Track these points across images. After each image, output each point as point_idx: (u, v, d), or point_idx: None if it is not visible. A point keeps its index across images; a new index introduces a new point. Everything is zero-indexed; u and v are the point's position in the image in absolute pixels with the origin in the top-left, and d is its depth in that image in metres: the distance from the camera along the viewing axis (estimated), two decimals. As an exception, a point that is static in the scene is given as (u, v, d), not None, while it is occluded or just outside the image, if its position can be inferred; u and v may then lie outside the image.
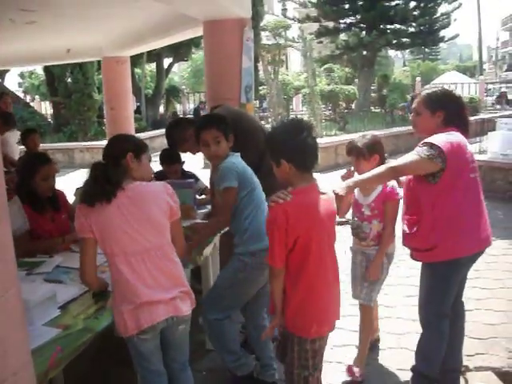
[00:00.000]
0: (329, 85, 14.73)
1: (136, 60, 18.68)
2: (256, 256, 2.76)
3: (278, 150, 2.17)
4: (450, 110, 2.66)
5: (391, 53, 41.54)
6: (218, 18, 4.23)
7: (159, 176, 3.80)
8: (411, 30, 17.81)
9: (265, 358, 3.05)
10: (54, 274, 2.65)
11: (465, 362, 3.27)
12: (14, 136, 5.16)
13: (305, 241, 2.13)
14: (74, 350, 1.97)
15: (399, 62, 53.62)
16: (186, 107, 25.45)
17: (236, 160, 2.83)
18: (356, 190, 3.07)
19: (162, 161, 4.07)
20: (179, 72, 40.99)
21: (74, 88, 13.95)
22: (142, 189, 2.27)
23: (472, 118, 15.91)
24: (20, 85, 33.33)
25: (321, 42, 18.56)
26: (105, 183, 2.16)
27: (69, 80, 14.02)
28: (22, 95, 26.72)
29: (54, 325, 2.08)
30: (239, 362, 2.99)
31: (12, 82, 38.47)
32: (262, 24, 12.89)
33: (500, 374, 3.19)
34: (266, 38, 13.79)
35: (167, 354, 2.42)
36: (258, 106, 15.46)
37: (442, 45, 35.11)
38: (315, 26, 17.37)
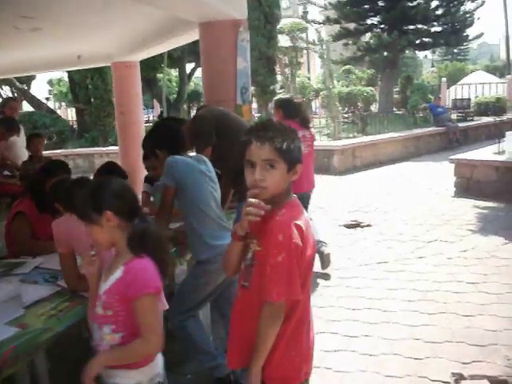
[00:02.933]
0: (347, 86, 14.54)
1: (157, 65, 18.91)
2: (212, 262, 2.73)
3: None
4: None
5: (420, 54, 41.00)
6: (212, 20, 4.20)
7: (149, 179, 3.79)
8: (434, 29, 17.51)
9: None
10: (31, 274, 2.67)
11: (460, 370, 3.15)
12: (21, 141, 5.25)
13: (310, 267, 1.78)
14: (31, 349, 1.97)
15: (428, 64, 52.83)
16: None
17: (178, 159, 2.74)
18: None
19: None
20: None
21: (94, 94, 14.17)
22: None
23: (497, 119, 15.51)
24: (50, 92, 34.26)
25: (347, 44, 18.36)
26: None
27: (89, 86, 14.25)
28: (51, 102, 27.45)
29: (14, 324, 2.08)
30: (215, 362, 2.94)
31: (40, 89, 39.46)
32: (278, 27, 12.84)
33: (495, 382, 3.04)
34: (285, 41, 13.75)
35: None
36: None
37: (471, 45, 34.38)
38: (336, 28, 17.23)
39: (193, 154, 3.00)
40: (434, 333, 3.62)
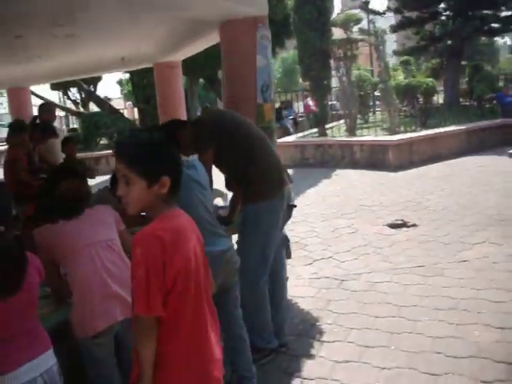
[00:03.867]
0: (405, 78, 13.91)
1: (219, 64, 18.98)
2: None
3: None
4: None
5: (499, 41, 38.52)
6: (230, 18, 4.12)
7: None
8: (504, 14, 16.35)
9: (242, 370, 2.90)
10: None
11: (480, 389, 2.90)
12: (58, 144, 5.43)
13: (184, 278, 1.68)
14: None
15: (506, 51, 49.73)
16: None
17: None
18: None
19: None
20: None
21: (151, 93, 14.45)
22: None
23: None
24: (121, 91, 35.73)
25: (417, 33, 17.37)
26: None
27: (146, 86, 14.57)
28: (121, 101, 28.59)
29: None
30: None
31: (111, 89, 41.18)
32: (332, 18, 12.52)
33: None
34: (341, 33, 13.38)
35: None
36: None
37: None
38: (393, 19, 16.56)
39: (190, 158, 2.94)
40: (459, 346, 3.36)
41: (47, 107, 5.55)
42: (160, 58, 7.04)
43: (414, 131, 11.97)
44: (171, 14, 4.35)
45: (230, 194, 3.95)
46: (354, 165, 11.26)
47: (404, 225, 6.53)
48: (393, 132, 11.88)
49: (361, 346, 3.47)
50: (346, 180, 10.02)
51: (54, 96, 24.34)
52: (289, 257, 4.32)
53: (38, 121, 5.43)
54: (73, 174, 3.08)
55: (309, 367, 3.27)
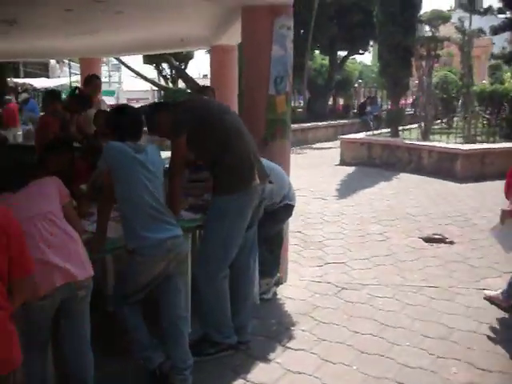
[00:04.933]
0: (491, 84, 12.80)
1: (304, 51, 18.87)
2: (139, 253, 2.69)
3: None
4: None
5: None
6: (248, 5, 4.01)
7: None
8: None
9: (176, 359, 2.86)
10: None
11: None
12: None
13: None
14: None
15: None
16: (359, 100, 25.17)
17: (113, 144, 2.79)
18: None
19: None
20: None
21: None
22: None
23: None
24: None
25: None
26: None
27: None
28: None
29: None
30: (144, 353, 2.90)
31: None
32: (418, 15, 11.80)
33: None
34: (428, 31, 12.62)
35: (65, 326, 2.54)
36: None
37: None
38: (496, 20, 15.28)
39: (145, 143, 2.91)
40: (426, 380, 3.09)
41: (90, 79, 5.75)
42: (214, 41, 7.04)
43: (493, 142, 11.09)
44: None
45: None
46: (420, 170, 10.68)
47: (441, 240, 6.09)
48: (470, 140, 11.08)
49: (322, 359, 3.29)
50: (404, 185, 9.53)
51: (148, 70, 25.24)
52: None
53: (77, 92, 5.64)
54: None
55: (259, 371, 3.16)
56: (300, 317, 3.92)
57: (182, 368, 2.85)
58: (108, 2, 4.99)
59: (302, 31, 19.55)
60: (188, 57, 21.72)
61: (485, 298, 4.26)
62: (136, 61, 26.89)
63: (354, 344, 3.49)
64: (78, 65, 10.84)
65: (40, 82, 20.36)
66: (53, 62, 25.97)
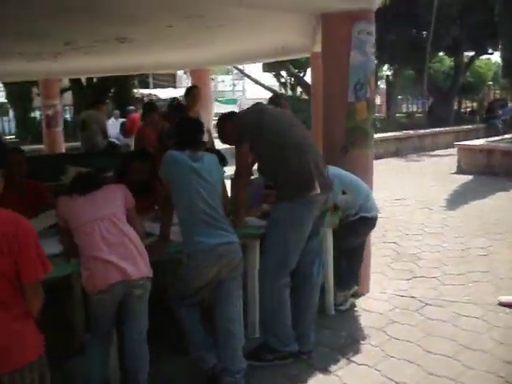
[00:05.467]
0: None
1: (421, 57, 18.05)
2: (192, 257, 2.79)
3: None
4: None
5: None
6: (326, 11, 3.99)
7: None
8: None
9: (227, 361, 2.95)
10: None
11: None
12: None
13: None
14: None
15: None
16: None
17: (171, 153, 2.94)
18: None
19: None
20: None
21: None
22: None
23: None
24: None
25: None
26: None
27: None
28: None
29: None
30: (198, 353, 3.02)
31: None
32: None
33: None
34: None
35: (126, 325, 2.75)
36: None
37: None
38: None
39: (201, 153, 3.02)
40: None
41: (189, 90, 6.09)
42: (313, 47, 7.05)
43: None
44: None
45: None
46: (547, 182, 9.66)
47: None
48: None
49: (384, 376, 3.15)
50: (524, 197, 8.69)
51: (267, 78, 25.82)
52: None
53: (175, 102, 6.01)
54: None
55: (315, 382, 3.12)
56: (372, 331, 3.78)
57: (232, 371, 2.91)
58: (208, 17, 5.27)
59: (424, 33, 18.77)
60: (306, 64, 21.85)
61: None
62: (255, 68, 27.73)
63: (423, 364, 3.29)
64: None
65: (166, 93, 21.81)
66: (180, 72, 27.75)
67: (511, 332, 3.72)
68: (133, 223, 2.83)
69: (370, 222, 4.06)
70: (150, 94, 21.11)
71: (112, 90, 16.73)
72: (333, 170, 3.68)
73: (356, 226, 3.96)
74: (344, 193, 3.86)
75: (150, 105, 5.66)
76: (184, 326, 3.02)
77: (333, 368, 3.27)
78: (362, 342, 3.62)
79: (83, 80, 15.74)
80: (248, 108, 3.51)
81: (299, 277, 3.36)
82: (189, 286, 2.93)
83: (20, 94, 15.67)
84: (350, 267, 4.15)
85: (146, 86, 23.36)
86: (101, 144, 7.96)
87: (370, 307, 4.22)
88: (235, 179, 3.36)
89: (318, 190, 3.13)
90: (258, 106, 3.42)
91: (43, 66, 8.85)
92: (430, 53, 18.68)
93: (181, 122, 3.18)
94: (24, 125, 16.14)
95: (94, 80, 15.80)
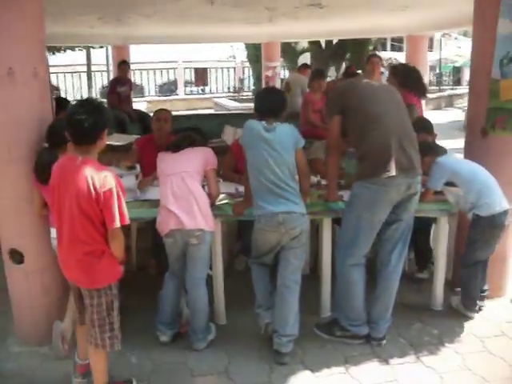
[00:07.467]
0: None
1: None
2: (257, 221, 3.03)
3: None
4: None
5: None
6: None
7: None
8: None
9: (277, 323, 3.09)
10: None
11: None
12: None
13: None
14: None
15: None
16: None
17: (248, 123, 3.09)
18: None
19: None
20: None
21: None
22: None
23: None
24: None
25: None
26: None
27: None
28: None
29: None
30: (257, 310, 3.25)
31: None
32: None
33: None
34: None
35: (186, 268, 3.19)
36: None
37: None
38: None
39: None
40: None
41: (369, 59, 6.13)
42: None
43: None
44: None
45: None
46: None
47: None
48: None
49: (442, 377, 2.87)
50: None
51: None
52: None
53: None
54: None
55: (366, 368, 3.06)
56: (470, 338, 3.39)
57: (281, 333, 3.05)
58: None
59: None
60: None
61: None
62: None
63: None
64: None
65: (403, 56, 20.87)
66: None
67: None
68: (208, 183, 3.21)
69: (488, 223, 3.38)
70: (389, 57, 20.46)
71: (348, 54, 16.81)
72: (444, 158, 3.39)
73: (473, 229, 3.45)
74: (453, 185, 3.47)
75: (317, 71, 5.86)
76: (253, 281, 3.28)
77: (394, 361, 3.12)
78: (447, 344, 3.31)
79: (322, 42, 16.19)
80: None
81: (378, 264, 3.25)
82: (256, 246, 3.16)
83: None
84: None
85: (384, 49, 22.75)
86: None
87: (491, 313, 3.73)
88: (327, 152, 3.35)
89: (394, 172, 2.89)
90: (354, 79, 3.32)
91: (262, 30, 9.58)
92: None
93: (259, 92, 3.30)
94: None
95: (333, 42, 16.11)
